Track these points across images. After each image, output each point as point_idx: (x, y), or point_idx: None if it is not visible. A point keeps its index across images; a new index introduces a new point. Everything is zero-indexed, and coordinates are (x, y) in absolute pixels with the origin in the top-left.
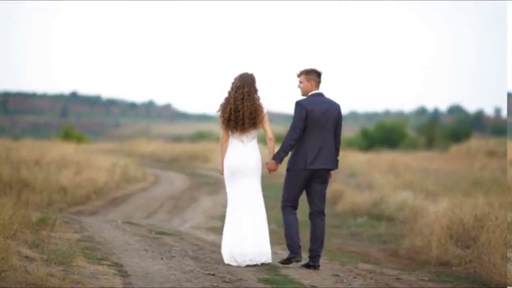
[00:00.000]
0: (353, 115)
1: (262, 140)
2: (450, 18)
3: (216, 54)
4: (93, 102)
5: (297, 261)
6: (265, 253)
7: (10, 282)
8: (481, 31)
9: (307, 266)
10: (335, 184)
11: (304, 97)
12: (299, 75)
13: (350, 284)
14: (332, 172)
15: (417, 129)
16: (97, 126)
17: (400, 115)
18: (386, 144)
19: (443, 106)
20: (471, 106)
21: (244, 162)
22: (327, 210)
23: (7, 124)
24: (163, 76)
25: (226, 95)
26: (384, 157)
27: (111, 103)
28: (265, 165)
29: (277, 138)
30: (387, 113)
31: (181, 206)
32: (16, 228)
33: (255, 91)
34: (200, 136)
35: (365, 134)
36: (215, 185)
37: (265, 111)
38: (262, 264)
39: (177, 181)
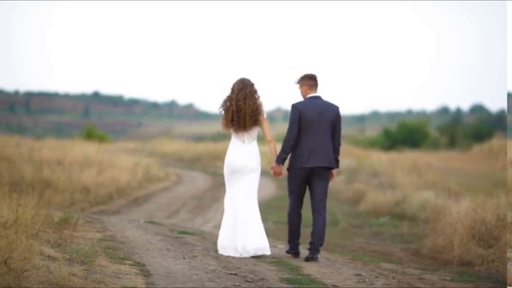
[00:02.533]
0: (375, 115)
1: (260, 139)
2: (472, 18)
3: (238, 54)
4: (115, 101)
5: (295, 256)
6: (261, 246)
7: (32, 281)
8: (507, 30)
9: (306, 259)
10: (357, 184)
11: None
12: (296, 82)
13: (372, 284)
14: (334, 172)
15: (439, 129)
16: (119, 126)
17: (422, 114)
18: (408, 143)
19: (465, 106)
20: (493, 106)
21: (243, 162)
22: (348, 210)
23: (29, 124)
24: (185, 76)
25: (227, 98)
26: (406, 157)
27: (133, 103)
28: (270, 169)
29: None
30: (409, 113)
31: (203, 205)
32: (38, 228)
33: (255, 91)
34: (222, 136)
35: (387, 133)
36: None
37: (265, 114)
38: (259, 256)
39: (199, 181)
